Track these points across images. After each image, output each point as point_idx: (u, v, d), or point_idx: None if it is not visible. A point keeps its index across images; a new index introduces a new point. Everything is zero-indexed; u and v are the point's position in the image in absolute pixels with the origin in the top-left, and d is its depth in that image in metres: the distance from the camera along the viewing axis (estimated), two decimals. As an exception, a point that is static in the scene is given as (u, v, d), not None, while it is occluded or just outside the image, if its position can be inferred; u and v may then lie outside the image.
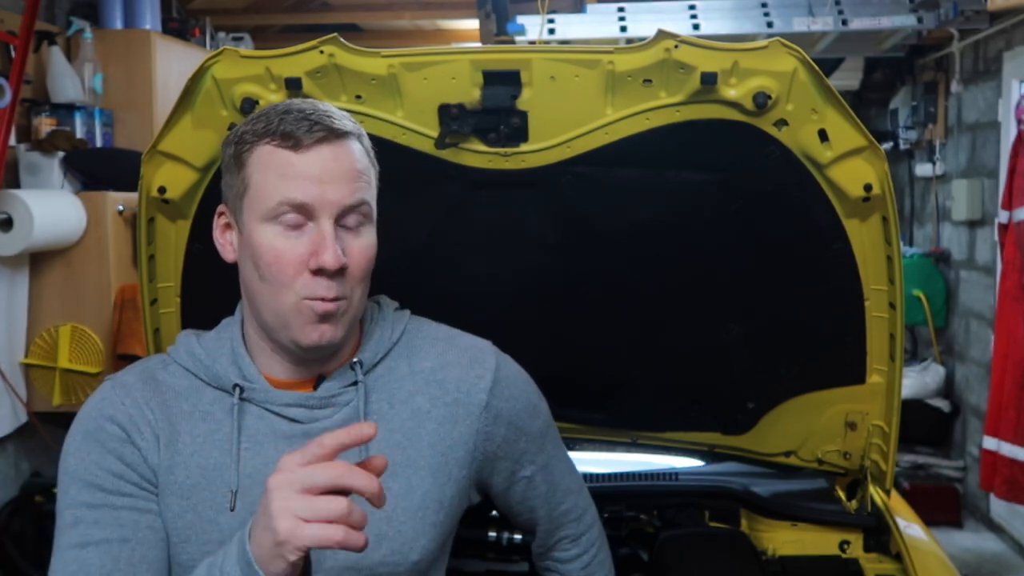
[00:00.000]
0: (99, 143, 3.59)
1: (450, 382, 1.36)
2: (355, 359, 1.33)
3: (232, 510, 1.25)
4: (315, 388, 1.31)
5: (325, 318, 1.23)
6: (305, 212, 1.21)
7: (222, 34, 4.66)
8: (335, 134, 1.23)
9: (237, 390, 1.29)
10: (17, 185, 3.35)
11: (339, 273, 1.22)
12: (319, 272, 1.20)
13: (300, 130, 1.21)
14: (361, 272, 1.26)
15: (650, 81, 1.48)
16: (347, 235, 1.24)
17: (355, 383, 1.32)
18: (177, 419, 1.29)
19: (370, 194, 1.27)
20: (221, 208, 1.31)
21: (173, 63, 3.80)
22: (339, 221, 1.22)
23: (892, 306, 1.67)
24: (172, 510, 1.26)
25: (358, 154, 1.25)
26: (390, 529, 1.29)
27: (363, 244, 1.25)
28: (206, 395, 1.31)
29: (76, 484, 1.25)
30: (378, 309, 1.40)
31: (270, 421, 1.29)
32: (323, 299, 1.22)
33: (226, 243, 1.31)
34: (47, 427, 3.45)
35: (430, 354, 1.38)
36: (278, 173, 1.21)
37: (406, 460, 1.31)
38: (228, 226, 1.30)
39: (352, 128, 1.26)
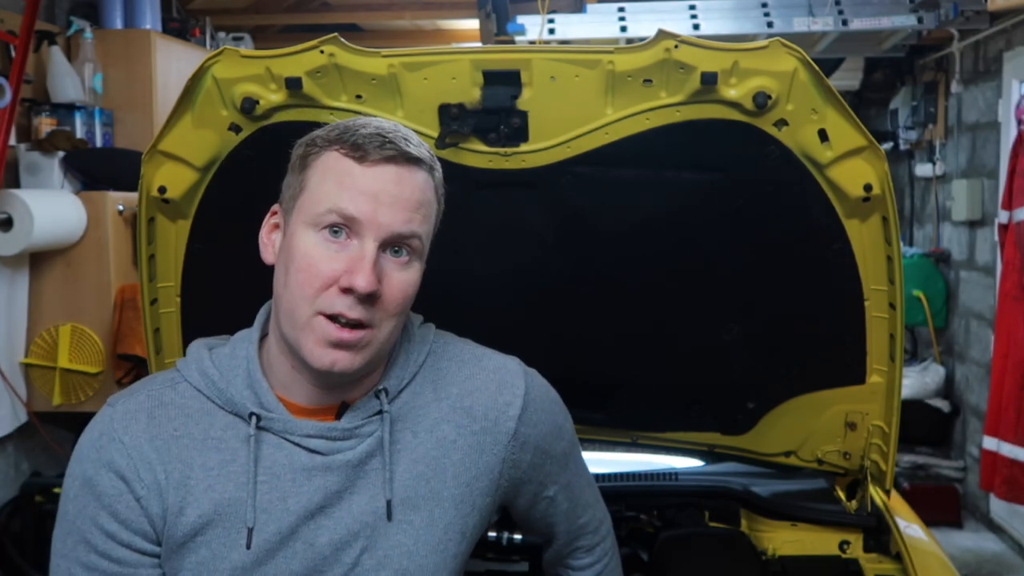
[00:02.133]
0: (99, 143, 3.59)
1: (477, 409, 1.31)
2: (380, 386, 1.27)
3: (248, 548, 1.20)
4: (337, 416, 1.26)
5: (340, 345, 1.17)
6: (352, 227, 1.17)
7: (222, 34, 4.66)
8: (405, 157, 1.19)
9: (254, 419, 1.22)
10: (17, 185, 3.35)
11: (368, 299, 1.16)
12: (347, 291, 1.16)
13: (370, 144, 1.17)
14: (396, 306, 1.20)
15: (650, 81, 1.48)
16: (390, 264, 1.19)
17: (379, 412, 1.26)
18: (188, 451, 1.22)
19: (424, 229, 1.22)
20: (275, 208, 1.27)
21: (173, 63, 3.80)
22: (385, 248, 1.18)
23: (892, 306, 1.66)
24: (186, 547, 1.21)
25: (422, 184, 1.21)
26: (411, 565, 1.25)
27: (404, 278, 1.20)
28: (218, 419, 1.24)
29: (72, 536, 1.22)
30: (403, 327, 1.31)
31: (289, 452, 1.23)
32: (342, 318, 1.16)
33: (269, 243, 1.27)
34: (47, 427, 3.45)
35: (456, 378, 1.33)
36: (337, 181, 1.17)
37: (429, 492, 1.27)
38: (277, 227, 1.26)
39: (426, 158, 1.22)
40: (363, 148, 1.18)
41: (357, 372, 1.21)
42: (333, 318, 1.17)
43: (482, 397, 1.32)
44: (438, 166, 1.26)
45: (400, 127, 1.23)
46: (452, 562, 1.29)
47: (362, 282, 1.14)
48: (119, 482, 1.21)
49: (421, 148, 1.22)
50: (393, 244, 1.19)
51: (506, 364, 1.37)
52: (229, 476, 1.22)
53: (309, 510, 1.22)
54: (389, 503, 1.24)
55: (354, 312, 1.16)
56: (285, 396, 1.25)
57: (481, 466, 1.31)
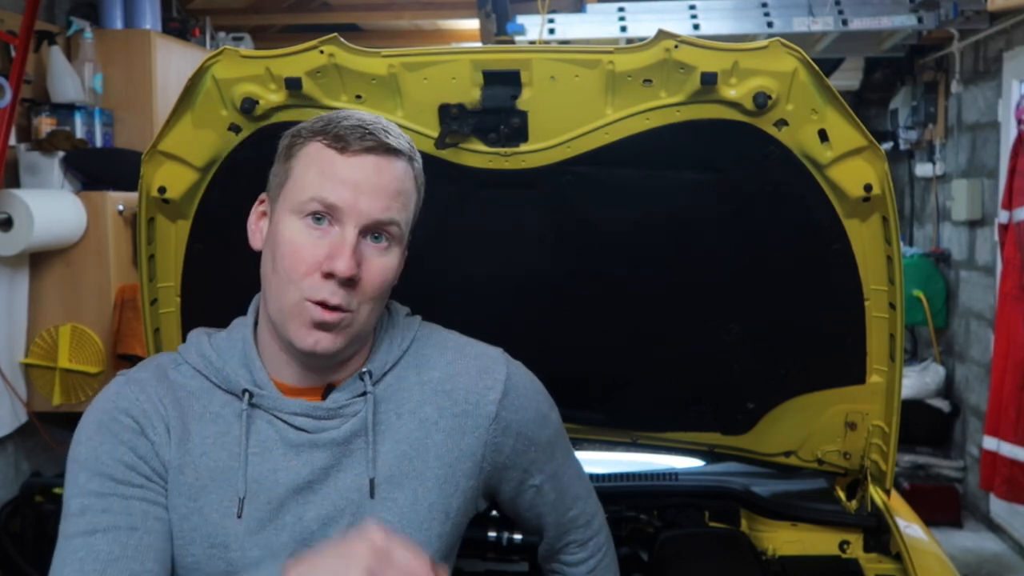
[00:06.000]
0: (99, 143, 3.59)
1: (459, 392, 1.35)
2: (364, 369, 1.32)
3: (239, 516, 1.25)
4: (324, 397, 1.31)
5: (322, 326, 1.22)
6: (333, 215, 1.22)
7: (222, 34, 4.66)
8: (384, 148, 1.24)
9: (247, 395, 1.28)
10: (17, 185, 3.35)
11: (349, 284, 1.22)
12: (329, 276, 1.21)
13: (352, 135, 1.23)
14: (374, 290, 1.25)
15: (650, 81, 1.48)
16: (370, 250, 1.24)
17: (364, 394, 1.31)
18: (189, 418, 1.29)
19: (403, 216, 1.27)
20: (262, 196, 1.33)
21: (173, 63, 3.80)
22: (365, 234, 1.23)
23: (892, 306, 1.67)
24: (179, 511, 1.26)
25: (402, 174, 1.26)
26: None
27: (384, 263, 1.25)
28: (217, 397, 1.30)
29: (86, 472, 1.24)
30: (388, 316, 1.38)
31: (279, 429, 1.28)
32: (324, 303, 1.21)
33: (257, 231, 1.32)
34: (47, 427, 3.45)
35: (439, 363, 1.37)
36: (319, 170, 1.23)
37: (413, 471, 1.31)
38: (264, 214, 1.32)
39: (405, 148, 1.27)
40: (344, 139, 1.23)
41: (339, 353, 1.27)
42: (318, 303, 1.22)
43: (463, 381, 1.36)
44: (418, 157, 1.31)
45: (381, 119, 1.28)
46: (437, 541, 1.31)
47: (342, 266, 1.20)
48: (135, 424, 1.27)
49: (400, 139, 1.27)
50: (373, 230, 1.24)
51: (488, 352, 1.41)
52: (223, 446, 1.27)
53: (298, 484, 1.27)
54: (372, 481, 1.28)
55: (336, 298, 1.22)
56: (276, 377, 1.31)
57: (463, 448, 1.34)
